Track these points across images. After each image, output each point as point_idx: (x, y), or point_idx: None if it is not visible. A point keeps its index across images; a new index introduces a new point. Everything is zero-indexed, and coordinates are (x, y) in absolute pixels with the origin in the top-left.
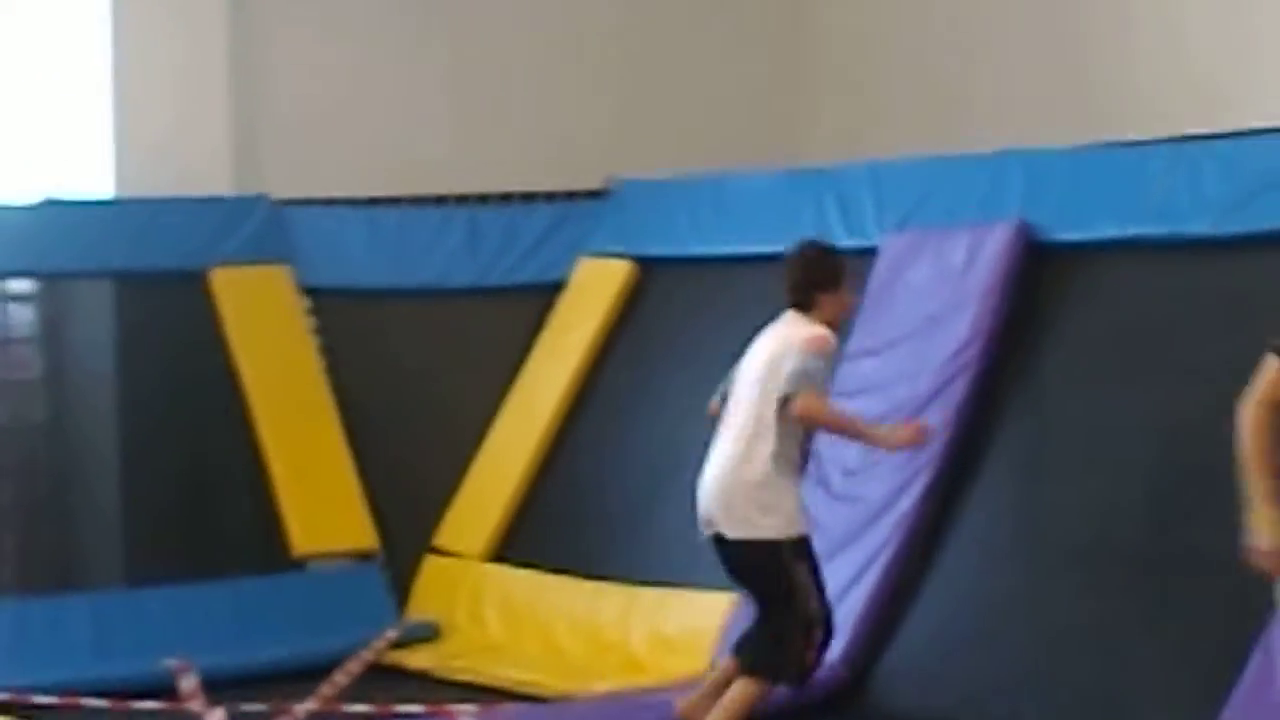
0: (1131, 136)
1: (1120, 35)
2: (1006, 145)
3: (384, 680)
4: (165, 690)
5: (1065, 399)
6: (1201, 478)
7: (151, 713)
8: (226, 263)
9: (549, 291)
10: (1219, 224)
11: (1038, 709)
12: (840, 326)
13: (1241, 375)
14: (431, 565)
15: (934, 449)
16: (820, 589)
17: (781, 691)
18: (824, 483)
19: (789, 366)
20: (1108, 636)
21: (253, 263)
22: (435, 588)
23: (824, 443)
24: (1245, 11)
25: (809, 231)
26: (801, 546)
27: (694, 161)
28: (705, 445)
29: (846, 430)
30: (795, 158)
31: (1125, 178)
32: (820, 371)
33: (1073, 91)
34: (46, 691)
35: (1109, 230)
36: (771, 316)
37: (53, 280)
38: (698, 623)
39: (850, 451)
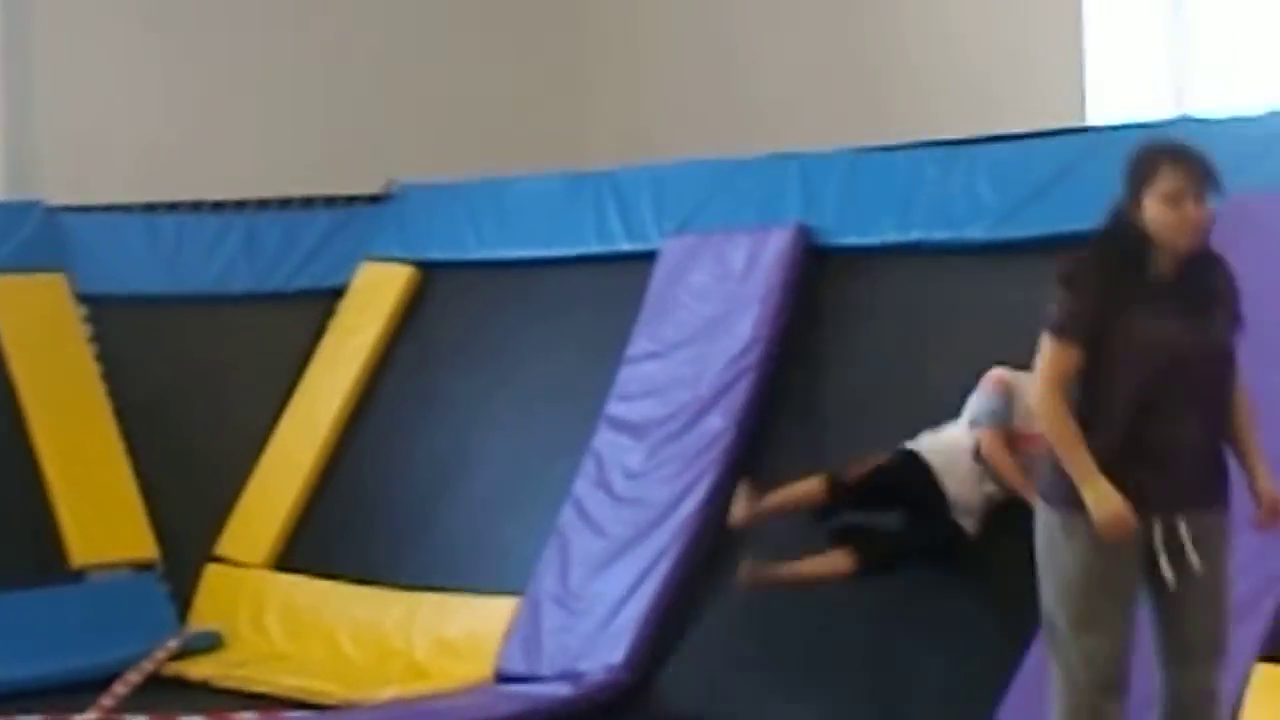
0: (908, 140)
1: (897, 40)
2: (787, 149)
3: (165, 690)
4: None
5: (843, 403)
6: None
7: None
8: (0, 270)
9: (330, 297)
10: (995, 229)
11: (816, 712)
12: None
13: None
14: (213, 574)
15: (716, 452)
16: None
17: (557, 696)
18: (606, 485)
19: None
20: (887, 642)
21: (27, 270)
22: (217, 597)
23: (604, 444)
24: (1019, 17)
25: (590, 235)
26: None
27: (478, 165)
28: (485, 451)
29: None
30: (580, 162)
31: (902, 181)
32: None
33: (852, 95)
34: None
35: (887, 234)
36: (552, 320)
37: None
38: (480, 627)
39: (634, 455)
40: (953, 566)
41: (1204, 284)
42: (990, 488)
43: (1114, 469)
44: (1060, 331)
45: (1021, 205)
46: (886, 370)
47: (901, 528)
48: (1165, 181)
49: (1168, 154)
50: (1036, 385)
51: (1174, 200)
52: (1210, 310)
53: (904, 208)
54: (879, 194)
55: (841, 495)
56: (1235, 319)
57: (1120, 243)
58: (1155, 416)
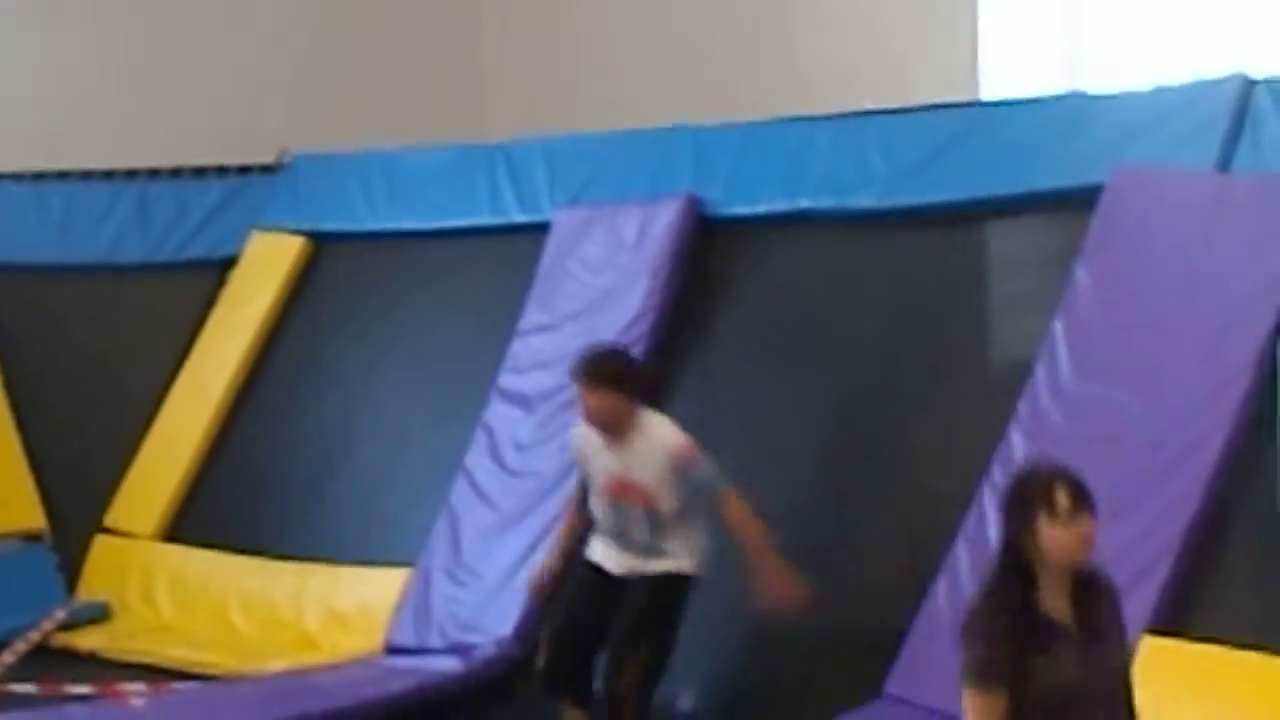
0: (798, 112)
1: (798, 14)
2: (679, 121)
3: (53, 661)
4: None
5: (734, 373)
6: (864, 454)
7: None
8: None
9: (221, 267)
10: (882, 197)
11: (701, 690)
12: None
13: (903, 350)
14: (102, 545)
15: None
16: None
17: (446, 669)
18: (496, 457)
19: None
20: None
21: None
22: (105, 568)
23: (495, 416)
24: None
25: (483, 207)
26: None
27: (374, 137)
28: (376, 422)
29: None
30: (478, 135)
31: (792, 152)
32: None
33: (747, 69)
34: None
35: (776, 204)
36: (445, 291)
37: None
38: (371, 599)
39: (524, 427)
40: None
41: (1097, 610)
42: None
43: None
44: (979, 681)
45: (909, 175)
46: (776, 339)
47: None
48: (1060, 499)
49: (1056, 474)
50: None
51: (1069, 517)
52: (1106, 637)
53: (794, 178)
54: (769, 165)
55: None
56: (1123, 633)
57: (1012, 582)
58: None
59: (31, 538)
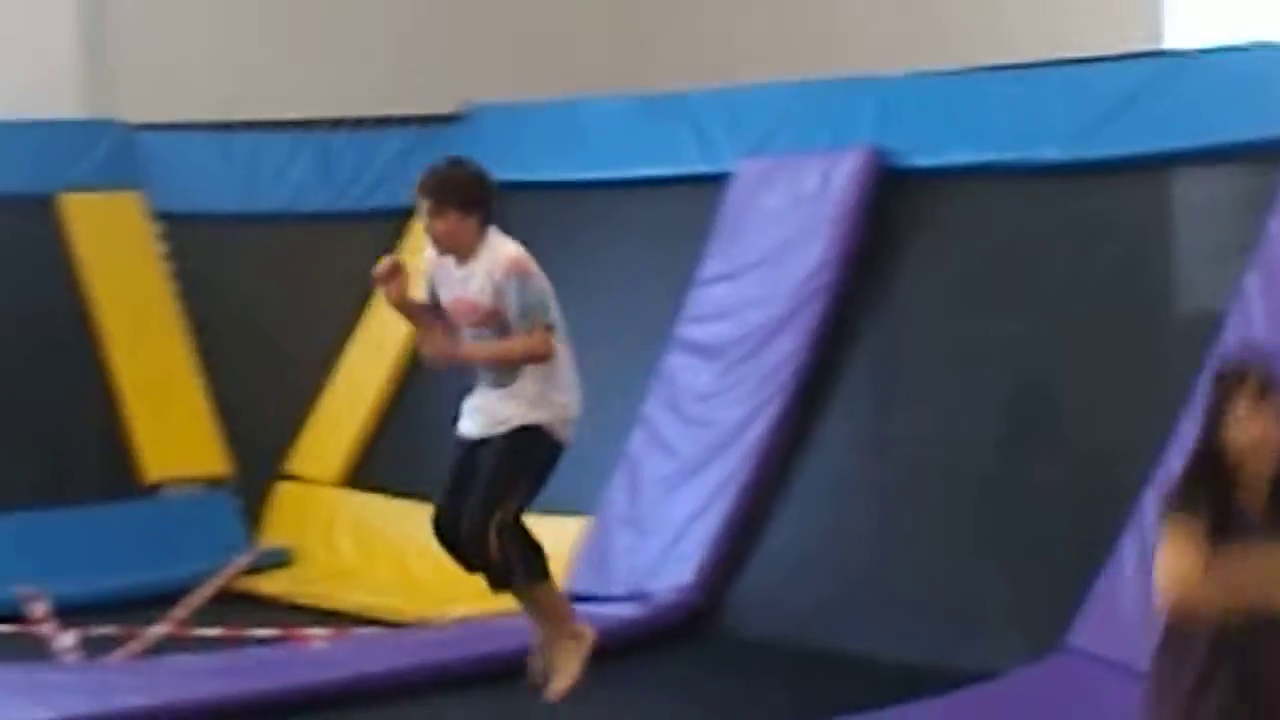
0: (981, 63)
1: None
2: (861, 72)
3: (237, 606)
4: (15, 617)
5: (916, 326)
6: (1048, 406)
7: (2, 636)
8: (76, 188)
9: (402, 217)
10: (1068, 150)
11: (886, 634)
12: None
13: (1088, 303)
14: (284, 491)
15: (786, 373)
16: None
17: (626, 616)
18: (676, 407)
19: None
20: (955, 563)
21: (104, 188)
22: (287, 514)
23: (675, 366)
24: None
25: (664, 157)
26: None
27: (553, 87)
28: None
29: None
30: (651, 83)
31: (976, 104)
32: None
33: (926, 18)
34: None
35: (960, 156)
36: (624, 242)
37: None
38: (549, 547)
39: (704, 376)
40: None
41: None
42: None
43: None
44: (1180, 508)
45: (1093, 127)
46: (958, 292)
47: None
48: (1255, 392)
49: (1255, 366)
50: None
51: (1263, 411)
52: None
53: (978, 130)
54: (952, 116)
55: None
56: None
57: (1209, 478)
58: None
59: (216, 483)
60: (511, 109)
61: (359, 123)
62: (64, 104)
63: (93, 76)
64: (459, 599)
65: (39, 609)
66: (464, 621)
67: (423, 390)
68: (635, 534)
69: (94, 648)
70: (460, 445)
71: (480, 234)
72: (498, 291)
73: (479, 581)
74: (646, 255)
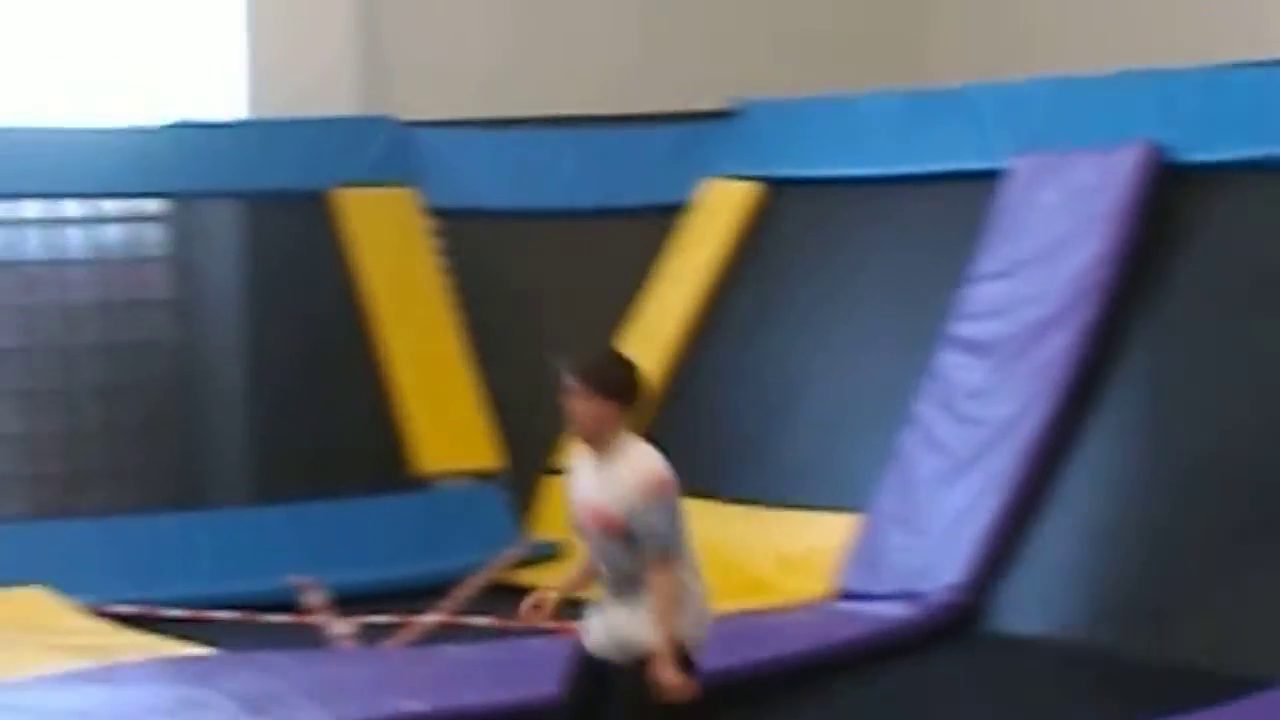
0: (1264, 56)
1: None
2: (1135, 65)
3: (506, 598)
4: (290, 606)
5: (1192, 324)
6: None
7: (279, 626)
8: (352, 184)
9: (672, 213)
10: None
11: (1159, 635)
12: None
13: None
14: (554, 485)
15: (1059, 370)
16: None
17: (898, 615)
18: (948, 404)
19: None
20: (1228, 565)
21: (378, 184)
22: (558, 508)
23: (947, 363)
24: None
25: (938, 153)
26: None
27: (815, 82)
28: (825, 369)
29: None
30: (921, 78)
31: (1259, 98)
32: None
33: (1203, 11)
34: (176, 605)
35: (1242, 151)
36: (896, 239)
37: (182, 201)
38: (819, 543)
39: (976, 374)
40: None
41: None
42: None
43: None
44: None
45: None
46: (1239, 289)
47: None
48: None
49: None
50: None
51: None
52: None
53: (1261, 124)
54: (1235, 111)
55: None
56: None
57: None
58: None
59: (487, 477)
60: (783, 105)
61: (629, 120)
62: (340, 102)
63: (368, 74)
64: (728, 595)
65: (315, 599)
66: (734, 617)
67: (695, 385)
68: (906, 532)
69: (368, 636)
70: (583, 656)
71: (619, 427)
72: (633, 512)
73: (746, 578)
74: (919, 252)
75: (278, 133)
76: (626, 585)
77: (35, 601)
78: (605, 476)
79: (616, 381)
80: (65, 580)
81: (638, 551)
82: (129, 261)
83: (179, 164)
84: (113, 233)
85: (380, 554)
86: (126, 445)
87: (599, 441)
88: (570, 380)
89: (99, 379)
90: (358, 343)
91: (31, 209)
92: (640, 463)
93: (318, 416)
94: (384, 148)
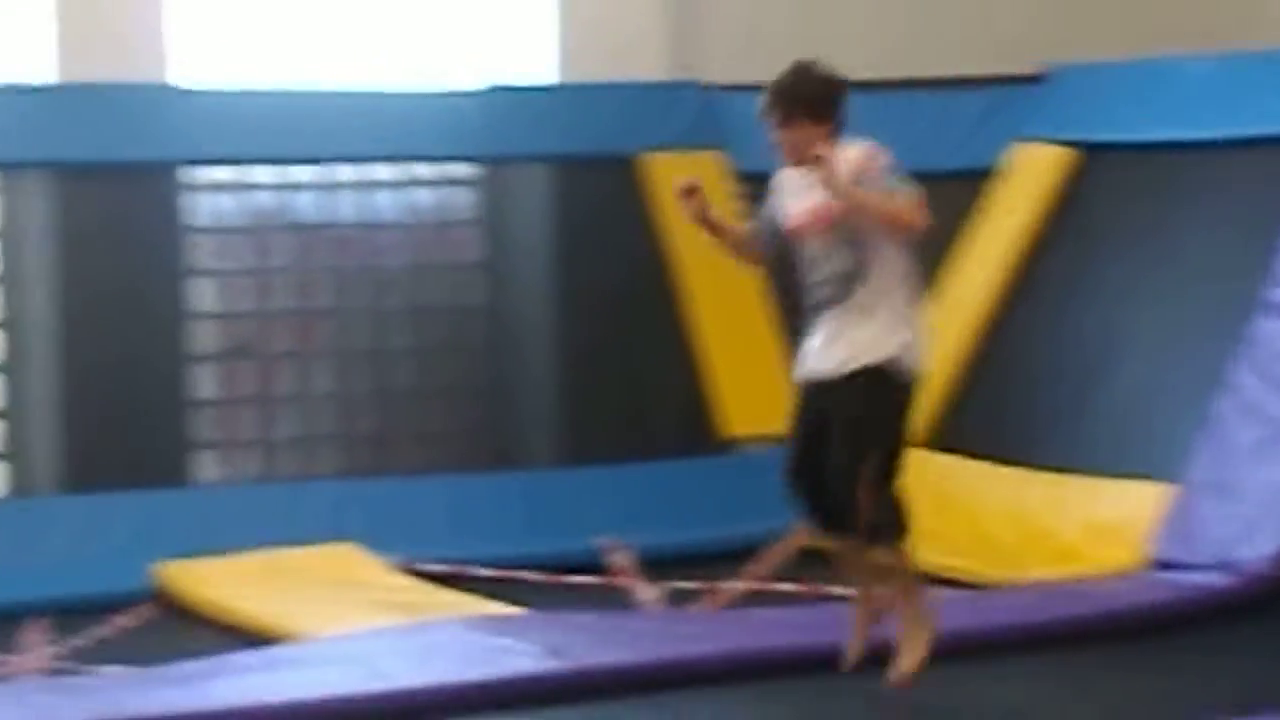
0: None
1: None
2: None
3: (813, 563)
4: (597, 568)
5: None
6: None
7: (586, 588)
8: (660, 148)
9: (982, 178)
10: None
11: None
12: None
13: None
14: None
15: None
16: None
17: (1213, 585)
18: (1265, 372)
19: None
20: None
21: (686, 148)
22: None
23: (1264, 330)
24: None
25: (1253, 116)
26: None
27: (1125, 46)
28: (1138, 335)
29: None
30: (1239, 40)
31: None
32: None
33: None
34: (484, 565)
35: None
36: (1212, 204)
37: (493, 165)
38: (1130, 512)
39: None
40: None
41: None
42: None
43: None
44: None
45: None
46: None
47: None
48: None
49: None
50: None
51: None
52: None
53: None
54: None
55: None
56: None
57: None
58: None
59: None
60: (1094, 68)
61: (938, 84)
62: (649, 66)
63: (676, 38)
64: (1037, 563)
65: (622, 561)
66: (1042, 585)
67: (1005, 350)
68: (1222, 501)
69: (675, 600)
70: (809, 389)
71: (831, 142)
72: (863, 176)
73: (1056, 546)
74: (1237, 218)
75: (588, 97)
76: (844, 290)
77: (347, 558)
78: (817, 180)
79: (812, 99)
80: (375, 538)
81: (858, 245)
82: (440, 225)
83: (490, 128)
84: (424, 196)
85: (687, 517)
86: (436, 406)
87: (809, 160)
88: (772, 109)
89: (409, 341)
90: (665, 306)
91: (344, 173)
92: (848, 152)
93: (625, 379)
94: (692, 112)
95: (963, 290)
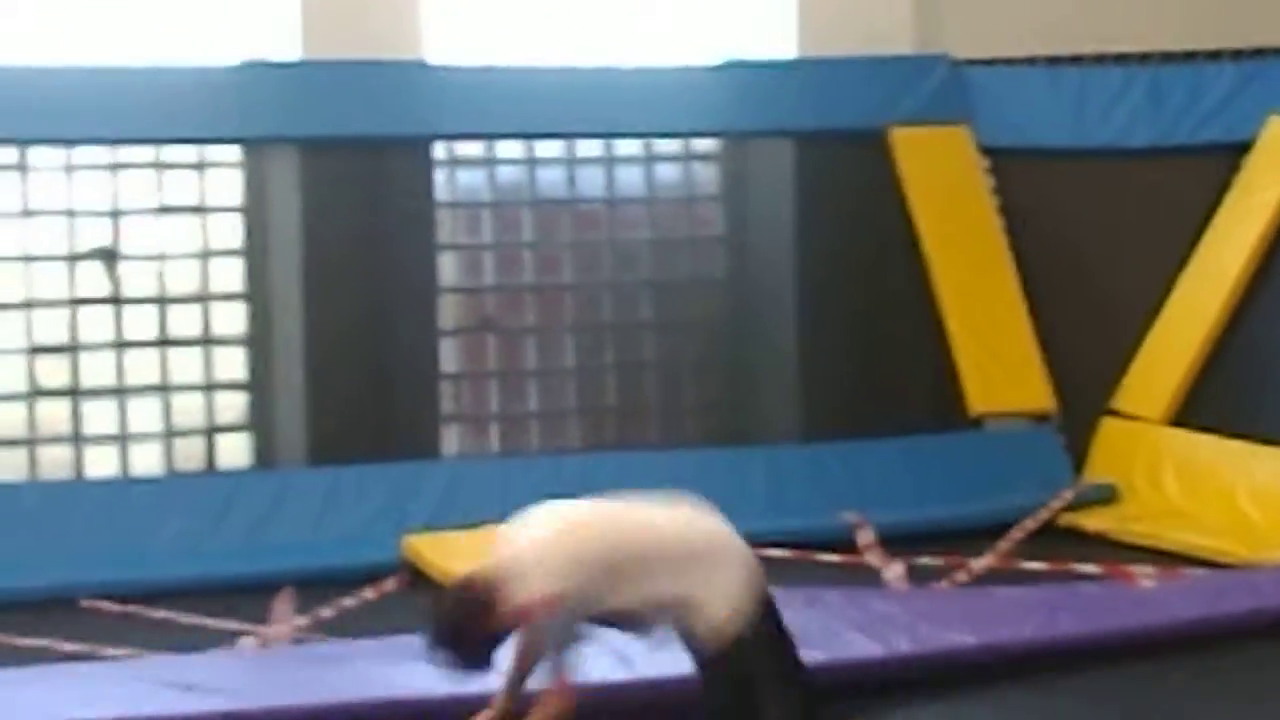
0: None
1: None
2: None
3: (1059, 540)
4: (841, 543)
5: None
6: None
7: (831, 565)
8: (905, 122)
9: (1235, 151)
10: None
11: None
12: None
13: None
14: (1108, 427)
15: None
16: None
17: None
18: None
19: None
20: None
21: (932, 122)
22: (1112, 450)
23: None
24: None
25: None
26: None
27: None
28: None
29: None
30: None
31: None
32: None
33: None
34: None
35: None
36: None
37: (735, 139)
38: None
39: None
40: None
41: None
42: None
43: None
44: None
45: None
46: None
47: None
48: None
49: None
50: None
51: None
52: None
53: None
54: None
55: None
56: None
57: None
58: None
59: (1040, 419)
60: None
61: (1190, 55)
62: (893, 39)
63: (921, 12)
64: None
65: (866, 537)
66: None
67: (1255, 329)
68: None
69: (919, 577)
70: None
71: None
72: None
73: None
74: None
75: (831, 71)
76: None
77: None
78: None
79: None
80: None
81: None
82: (682, 200)
83: (732, 103)
84: (666, 171)
85: (931, 494)
86: (679, 380)
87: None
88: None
89: (652, 315)
90: (910, 281)
91: (588, 148)
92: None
93: (870, 354)
94: (937, 86)
95: (1213, 265)
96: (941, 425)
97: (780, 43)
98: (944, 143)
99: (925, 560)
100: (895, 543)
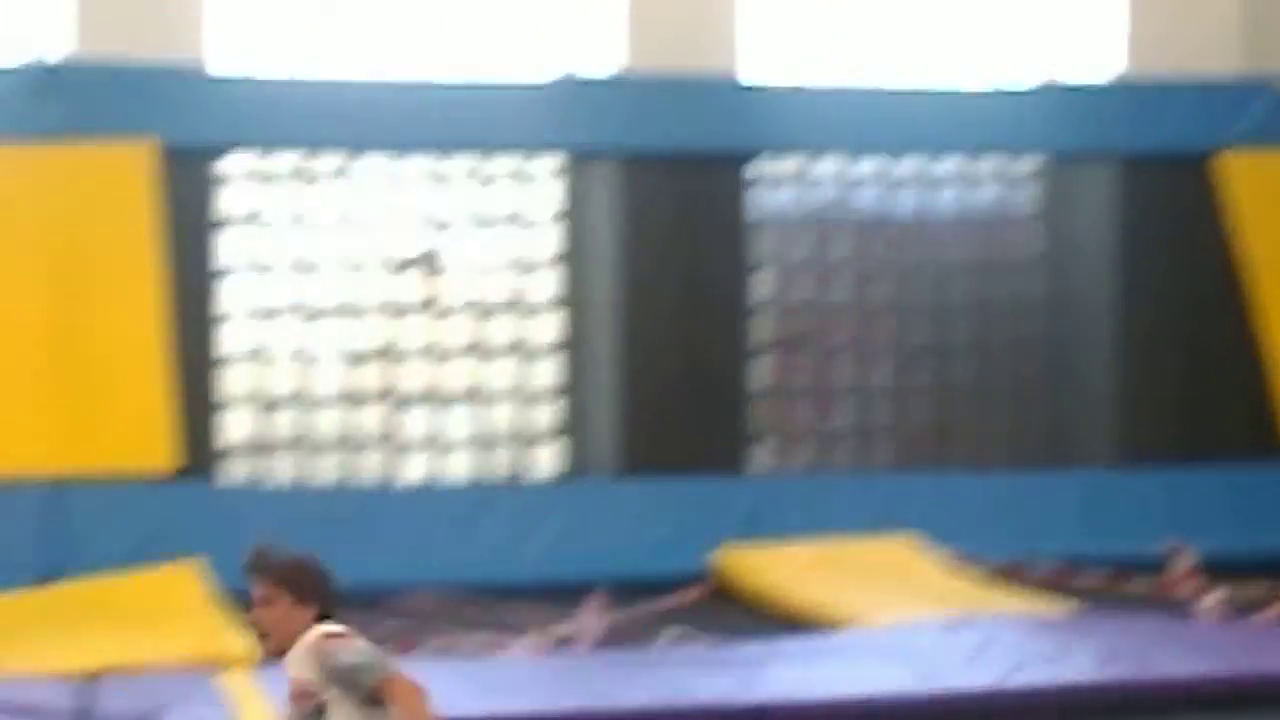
0: None
1: None
2: None
3: None
4: (1157, 570)
5: None
6: None
7: (1142, 592)
8: (1233, 147)
9: None
10: None
11: None
12: None
13: None
14: None
15: None
16: None
17: None
18: None
19: None
20: None
21: (1261, 148)
22: None
23: None
24: None
25: None
26: None
27: None
28: None
29: None
30: None
31: None
32: None
33: None
34: (1040, 562)
35: None
36: None
37: (1055, 160)
38: None
39: None
40: None
41: None
42: None
43: None
44: None
45: None
46: None
47: None
48: None
49: None
50: None
51: None
52: None
53: None
54: None
55: None
56: None
57: None
58: None
59: None
60: None
61: None
62: (1222, 62)
63: (1251, 36)
64: None
65: (1184, 565)
66: None
67: None
68: None
69: (1237, 608)
70: None
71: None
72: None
73: None
74: None
75: (1157, 94)
76: None
77: (904, 550)
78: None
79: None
80: (934, 530)
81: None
82: (1000, 220)
83: (1053, 124)
84: (984, 191)
85: (1253, 523)
86: (995, 401)
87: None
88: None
89: (970, 335)
90: (1233, 308)
91: (905, 168)
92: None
93: (1189, 379)
94: (1266, 111)
95: None
96: (1264, 453)
97: (1106, 62)
98: (1274, 169)
99: (1244, 590)
100: (1215, 572)
